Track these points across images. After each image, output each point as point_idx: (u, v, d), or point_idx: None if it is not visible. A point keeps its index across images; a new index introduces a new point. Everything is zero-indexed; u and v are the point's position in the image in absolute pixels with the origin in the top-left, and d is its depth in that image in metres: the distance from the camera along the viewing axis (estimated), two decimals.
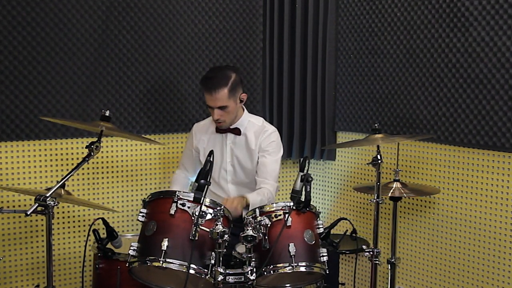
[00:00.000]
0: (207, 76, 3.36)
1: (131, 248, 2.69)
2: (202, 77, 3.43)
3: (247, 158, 3.42)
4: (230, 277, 2.65)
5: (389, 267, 3.36)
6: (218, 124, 3.40)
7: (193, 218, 2.60)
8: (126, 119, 3.79)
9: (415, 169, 3.67)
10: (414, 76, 3.60)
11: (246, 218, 2.75)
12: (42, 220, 3.54)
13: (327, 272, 2.79)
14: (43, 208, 2.60)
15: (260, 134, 3.41)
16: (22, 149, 3.54)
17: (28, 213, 2.56)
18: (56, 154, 3.63)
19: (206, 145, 3.49)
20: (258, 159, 3.40)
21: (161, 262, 2.57)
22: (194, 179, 2.65)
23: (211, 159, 2.62)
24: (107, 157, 3.78)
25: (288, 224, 2.71)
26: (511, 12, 3.13)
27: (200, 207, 2.58)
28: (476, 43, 3.27)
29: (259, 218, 2.70)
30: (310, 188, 2.74)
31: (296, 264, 2.68)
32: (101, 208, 3.49)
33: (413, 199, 3.69)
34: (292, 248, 2.68)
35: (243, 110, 3.47)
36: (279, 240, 2.66)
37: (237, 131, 3.42)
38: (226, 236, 2.55)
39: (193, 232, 2.56)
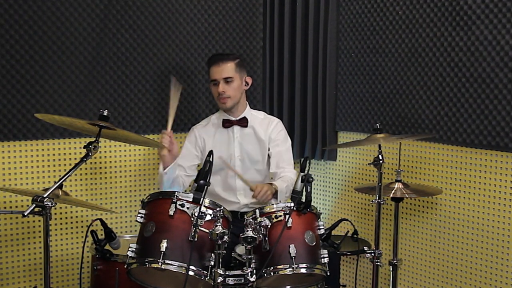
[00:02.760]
0: (215, 54, 3.55)
1: (130, 249, 2.67)
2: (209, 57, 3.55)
3: (257, 150, 3.42)
4: (230, 278, 2.64)
5: (391, 269, 3.35)
6: (222, 100, 3.39)
7: (192, 219, 2.59)
8: (125, 119, 3.77)
9: (417, 169, 3.64)
10: (416, 76, 3.58)
11: (246, 219, 2.73)
12: (39, 221, 3.53)
13: (328, 273, 2.78)
14: (41, 209, 2.58)
15: (268, 125, 3.49)
16: (19, 149, 3.52)
17: (25, 214, 2.54)
18: (54, 154, 3.61)
19: (213, 142, 3.46)
20: (269, 150, 3.40)
21: (160, 263, 2.56)
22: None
23: (211, 159, 2.60)
24: (105, 157, 3.76)
25: (288, 225, 2.70)
26: None
27: (200, 208, 2.56)
28: (479, 42, 3.25)
29: (259, 219, 2.69)
30: (311, 188, 2.74)
31: (296, 266, 2.66)
32: (99, 209, 3.47)
33: (415, 199, 3.67)
34: (292, 250, 2.67)
35: (247, 104, 3.49)
36: (279, 241, 2.64)
37: (244, 122, 3.42)
38: (225, 237, 2.54)
39: (192, 233, 2.54)
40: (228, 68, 3.37)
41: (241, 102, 3.46)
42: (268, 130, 3.44)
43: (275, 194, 3.19)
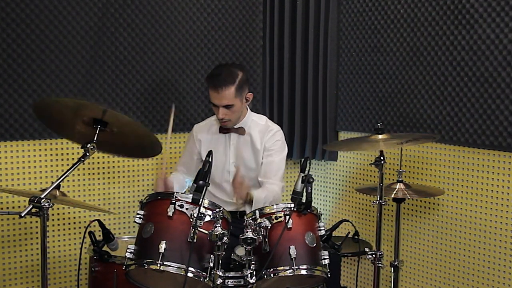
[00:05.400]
0: (214, 73, 3.30)
1: (128, 250, 2.65)
2: (208, 74, 3.38)
3: (252, 158, 3.37)
4: (230, 280, 2.63)
5: (392, 270, 3.33)
6: (222, 123, 3.34)
7: (191, 220, 2.57)
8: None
9: (418, 169, 3.62)
10: (417, 75, 3.56)
11: (246, 220, 2.72)
12: (36, 222, 3.51)
13: (329, 275, 2.76)
14: (38, 210, 2.56)
15: (265, 134, 3.38)
16: (16, 149, 3.49)
17: (22, 214, 2.52)
18: (51, 155, 3.59)
19: (209, 146, 3.42)
20: (262, 159, 3.35)
21: (158, 265, 2.54)
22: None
23: (210, 160, 2.58)
24: (103, 157, 3.73)
25: (288, 226, 2.68)
26: None
27: (199, 209, 2.54)
28: (481, 40, 3.23)
29: (259, 220, 2.68)
30: (311, 189, 2.71)
31: (297, 267, 2.65)
32: (97, 209, 3.45)
33: (416, 200, 3.65)
34: (293, 251, 2.65)
35: (247, 109, 3.42)
36: (279, 242, 2.61)
37: (241, 131, 3.37)
38: (225, 238, 2.53)
39: (192, 234, 2.52)
40: (227, 96, 3.20)
41: (241, 115, 3.38)
42: (265, 139, 3.36)
43: (250, 203, 3.11)
